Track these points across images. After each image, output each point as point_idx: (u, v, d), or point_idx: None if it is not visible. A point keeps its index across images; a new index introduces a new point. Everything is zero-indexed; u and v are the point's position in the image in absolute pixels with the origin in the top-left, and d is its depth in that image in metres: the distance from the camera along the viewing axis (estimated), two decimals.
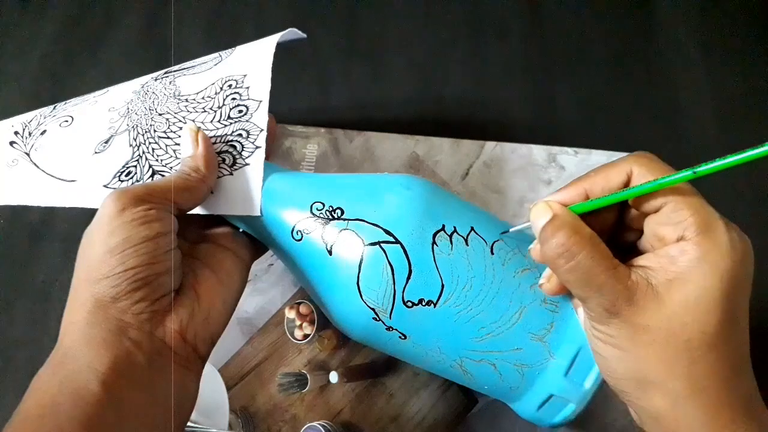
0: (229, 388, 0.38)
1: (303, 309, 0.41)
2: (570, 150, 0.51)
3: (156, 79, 0.36)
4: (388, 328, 0.30)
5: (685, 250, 0.22)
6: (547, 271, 0.26)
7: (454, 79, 0.55)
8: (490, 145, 0.50)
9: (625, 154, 0.49)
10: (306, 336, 0.40)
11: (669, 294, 0.21)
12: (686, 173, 0.22)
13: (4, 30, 0.56)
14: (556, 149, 0.51)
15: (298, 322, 0.40)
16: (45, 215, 0.45)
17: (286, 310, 0.41)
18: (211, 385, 0.37)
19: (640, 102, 0.55)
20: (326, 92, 0.53)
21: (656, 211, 0.23)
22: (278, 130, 0.47)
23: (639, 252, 0.25)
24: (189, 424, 0.36)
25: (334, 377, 0.39)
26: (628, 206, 0.25)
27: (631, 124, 0.54)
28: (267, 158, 0.35)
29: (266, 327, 0.40)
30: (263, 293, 0.42)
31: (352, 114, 0.52)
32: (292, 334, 0.40)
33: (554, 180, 0.49)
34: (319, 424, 0.37)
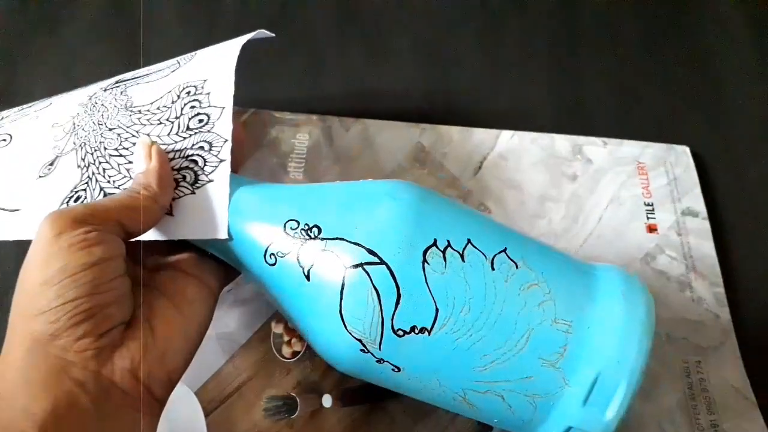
0: (206, 413, 0.39)
1: None
2: (598, 140, 0.51)
3: (105, 90, 0.37)
4: (379, 360, 0.31)
5: None
6: None
7: (465, 60, 0.55)
8: (506, 134, 0.51)
9: (661, 145, 0.50)
10: (295, 353, 0.41)
11: None
12: None
13: None
14: (582, 139, 0.51)
15: (286, 338, 0.41)
16: None
17: (273, 324, 0.42)
18: (187, 410, 0.39)
19: (679, 86, 0.55)
20: (319, 74, 0.54)
21: None
22: (263, 117, 0.48)
23: None
24: None
25: (327, 401, 0.40)
26: None
27: (668, 112, 0.54)
28: (235, 170, 0.36)
29: (250, 343, 0.41)
30: (246, 304, 0.43)
31: (349, 99, 0.53)
32: (279, 351, 0.41)
33: (580, 174, 0.49)
34: None
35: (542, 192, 0.48)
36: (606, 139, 0.51)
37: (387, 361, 0.30)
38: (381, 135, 0.50)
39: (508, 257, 0.31)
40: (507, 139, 0.50)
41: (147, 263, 0.33)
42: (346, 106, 0.52)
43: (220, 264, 0.35)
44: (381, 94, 0.54)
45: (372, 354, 0.30)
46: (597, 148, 0.50)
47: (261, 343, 0.41)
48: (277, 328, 0.42)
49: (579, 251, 0.46)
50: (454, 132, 0.50)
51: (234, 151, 0.34)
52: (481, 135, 0.50)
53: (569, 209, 0.48)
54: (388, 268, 0.29)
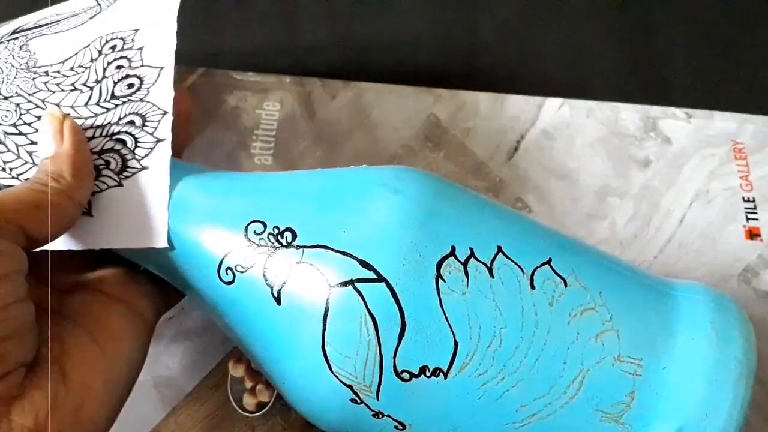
0: None
1: None
2: (679, 112, 0.51)
3: None
4: (377, 414, 0.31)
5: None
6: None
7: (495, 3, 0.55)
8: (552, 103, 0.51)
9: (766, 118, 0.50)
10: (262, 405, 0.41)
11: None
12: None
13: None
14: (657, 110, 0.51)
15: (249, 384, 0.42)
16: None
17: (231, 365, 0.42)
18: None
19: None
20: (295, 22, 0.53)
21: None
22: (217, 79, 0.49)
23: None
24: None
25: None
26: None
27: None
28: (178, 155, 0.36)
29: (199, 391, 0.42)
30: (193, 338, 0.43)
31: (336, 54, 0.53)
32: (239, 402, 0.41)
33: (654, 159, 0.49)
34: None
35: (602, 183, 0.48)
36: (690, 110, 0.51)
37: (388, 416, 0.30)
38: (381, 104, 0.50)
39: (554, 272, 0.31)
40: (554, 111, 0.51)
41: (57, 282, 0.33)
42: (332, 64, 0.52)
43: (158, 284, 0.35)
44: (380, 47, 0.54)
45: (367, 405, 0.30)
46: (678, 122, 0.50)
47: (214, 391, 0.41)
48: (237, 371, 0.42)
49: (653, 264, 0.46)
50: (482, 100, 0.50)
51: (177, 128, 0.34)
52: (518, 105, 0.51)
53: (639, 207, 0.48)
54: (389, 286, 0.29)
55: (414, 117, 0.50)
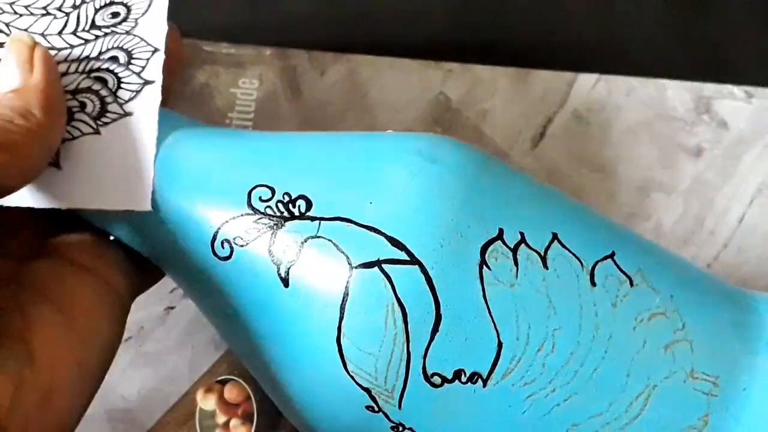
0: None
1: (231, 392, 0.42)
2: (738, 90, 0.51)
3: None
4: (396, 427, 0.31)
5: None
6: None
7: None
8: (586, 80, 0.51)
9: None
10: None
11: None
12: None
13: None
14: (711, 89, 0.51)
15: (221, 418, 0.41)
16: None
17: (199, 396, 0.42)
18: None
19: None
20: None
21: None
22: (185, 51, 0.48)
23: None
24: None
25: None
26: None
27: None
28: (164, 103, 0.35)
29: (161, 427, 0.41)
30: (156, 362, 0.43)
31: (326, 21, 0.52)
32: None
33: (708, 147, 0.49)
34: None
35: (645, 176, 0.49)
36: (751, 89, 0.51)
37: (410, 429, 0.30)
38: (380, 81, 0.49)
39: (618, 268, 0.31)
40: (588, 89, 0.50)
41: (13, 249, 0.32)
42: (322, 33, 0.51)
43: (134, 256, 0.34)
44: (379, 12, 0.53)
45: (386, 415, 0.30)
46: (736, 103, 0.50)
47: (180, 427, 0.41)
48: (207, 403, 0.42)
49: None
50: (501, 76, 0.50)
51: (169, 70, 0.33)
52: (545, 82, 0.50)
53: (690, 205, 0.48)
54: (423, 270, 0.29)
55: (420, 96, 0.49)
